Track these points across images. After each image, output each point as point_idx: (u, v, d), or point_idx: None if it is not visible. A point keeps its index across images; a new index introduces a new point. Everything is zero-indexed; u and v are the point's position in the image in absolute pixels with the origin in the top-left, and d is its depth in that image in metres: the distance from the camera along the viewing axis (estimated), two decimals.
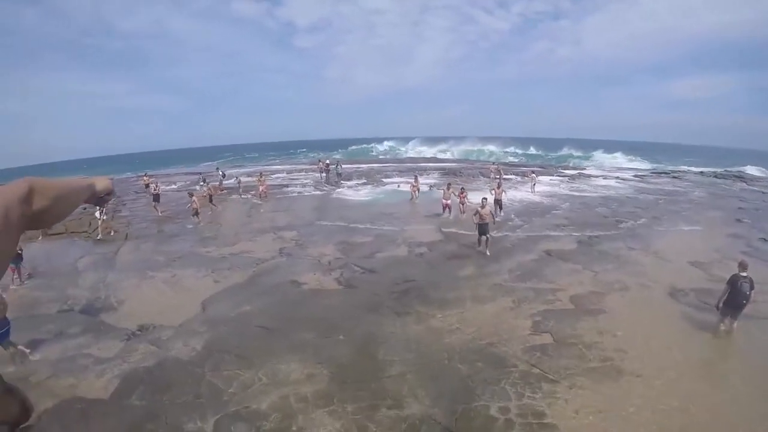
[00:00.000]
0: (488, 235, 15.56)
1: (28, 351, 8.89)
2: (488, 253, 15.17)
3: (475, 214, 15.79)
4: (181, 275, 13.96)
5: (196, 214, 21.45)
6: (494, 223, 16.45)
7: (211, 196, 24.99)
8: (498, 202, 21.27)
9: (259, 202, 27.30)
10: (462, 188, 22.37)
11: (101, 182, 0.98)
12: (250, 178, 35.66)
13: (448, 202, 21.52)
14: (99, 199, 1.20)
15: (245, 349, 9.10)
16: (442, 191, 22.44)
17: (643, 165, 59.94)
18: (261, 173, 31.67)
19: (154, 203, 24.35)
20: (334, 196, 29.75)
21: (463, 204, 21.11)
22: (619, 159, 69.14)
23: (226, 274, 13.95)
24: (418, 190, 27.60)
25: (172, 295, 12.44)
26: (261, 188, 28.21)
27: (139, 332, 10.09)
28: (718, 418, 6.97)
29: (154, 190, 24.99)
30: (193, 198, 21.55)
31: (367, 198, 28.80)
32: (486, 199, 16.46)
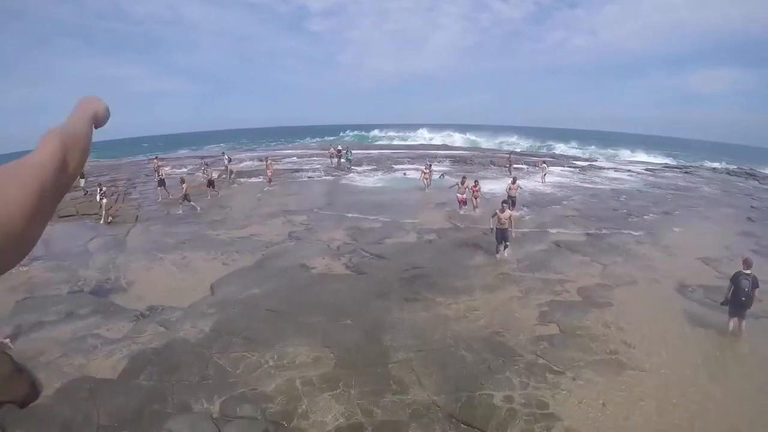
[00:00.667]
0: (508, 243, 13.94)
1: (7, 340, 8.82)
2: (509, 260, 13.80)
3: (493, 216, 14.05)
4: (190, 257, 14.04)
5: (185, 199, 20.87)
6: (512, 228, 14.07)
7: (211, 181, 24.60)
8: (512, 199, 18.28)
9: (269, 187, 27.25)
10: (476, 181, 20.44)
11: (97, 106, 0.82)
12: (258, 162, 35.79)
13: (464, 196, 19.94)
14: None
15: (253, 331, 9.17)
16: (456, 184, 20.68)
17: (658, 160, 58.61)
18: (267, 158, 31.92)
19: (159, 187, 24.04)
20: (344, 181, 29.69)
21: (476, 198, 20.14)
22: (641, 156, 67.15)
23: (235, 257, 14.02)
24: (429, 178, 26.40)
25: (181, 277, 12.53)
26: (268, 172, 28.12)
27: (148, 313, 10.18)
28: (721, 413, 6.98)
29: (160, 175, 24.56)
30: (184, 184, 20.84)
31: (377, 184, 28.63)
32: (506, 203, 14.42)
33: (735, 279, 9.18)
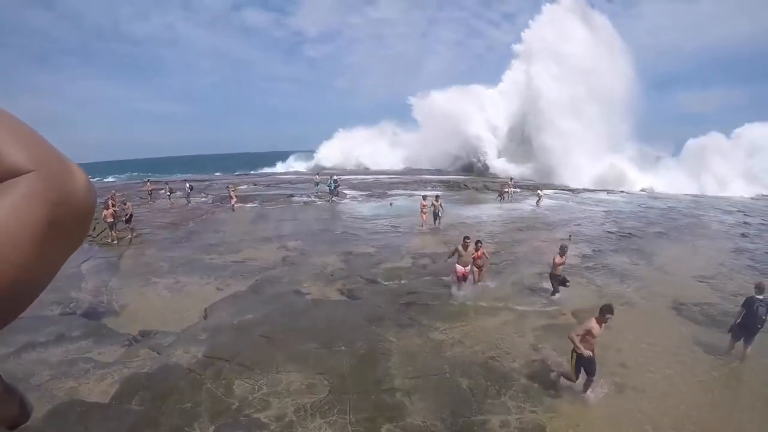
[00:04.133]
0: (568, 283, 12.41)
1: None
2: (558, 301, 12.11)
3: (556, 266, 12.17)
4: (183, 282, 13.97)
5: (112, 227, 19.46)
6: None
7: (129, 216, 20.56)
8: (558, 279, 12.48)
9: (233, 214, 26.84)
10: (478, 243, 13.00)
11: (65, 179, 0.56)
12: (253, 186, 35.80)
13: (466, 270, 12.80)
14: None
15: (246, 357, 9.08)
16: (455, 251, 12.93)
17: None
18: (229, 186, 32.17)
19: (127, 225, 20.49)
20: (338, 208, 29.70)
21: (480, 269, 13.37)
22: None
23: (229, 281, 13.94)
24: (428, 213, 21.84)
25: (175, 301, 12.44)
26: (231, 201, 27.75)
27: (140, 338, 10.09)
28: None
29: (122, 210, 20.94)
30: (105, 212, 19.04)
31: (370, 211, 28.27)
32: (565, 246, 12.59)
33: (749, 304, 8.96)
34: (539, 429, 6.98)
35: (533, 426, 7.05)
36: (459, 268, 12.83)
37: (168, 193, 31.61)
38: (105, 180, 63.88)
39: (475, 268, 13.20)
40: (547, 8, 57.36)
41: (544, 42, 54.52)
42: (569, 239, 13.63)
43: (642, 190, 42.26)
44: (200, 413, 7.26)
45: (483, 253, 13.12)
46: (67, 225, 0.52)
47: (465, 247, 12.76)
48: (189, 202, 30.92)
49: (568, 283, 12.54)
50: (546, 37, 54.82)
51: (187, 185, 32.50)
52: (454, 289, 12.91)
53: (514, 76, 60.59)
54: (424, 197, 22.62)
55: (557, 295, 12.49)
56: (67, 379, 8.24)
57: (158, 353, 9.30)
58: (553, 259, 12.40)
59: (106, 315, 11.39)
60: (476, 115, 60.06)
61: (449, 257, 13.24)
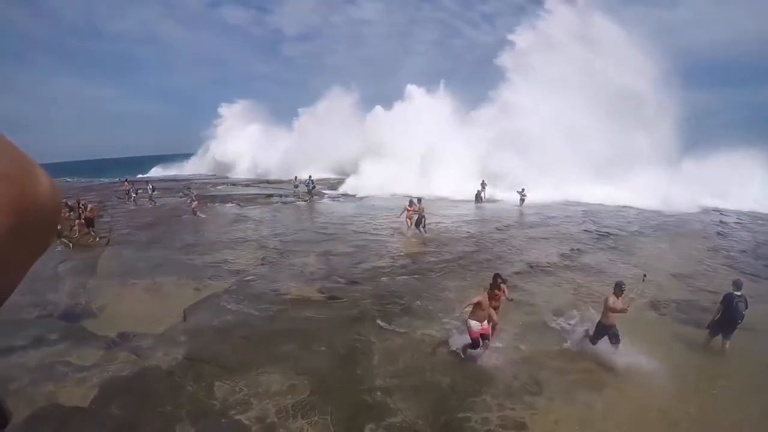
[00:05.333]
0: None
1: None
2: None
3: (610, 311, 8.97)
4: (162, 282, 13.84)
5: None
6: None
7: (89, 219, 20.31)
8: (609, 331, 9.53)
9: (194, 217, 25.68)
10: (497, 276, 9.48)
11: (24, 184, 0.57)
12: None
13: (485, 326, 9.02)
14: None
15: (226, 359, 9.05)
16: (476, 303, 8.90)
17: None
18: (188, 187, 32.72)
19: (88, 228, 20.07)
20: (317, 206, 29.69)
21: (494, 327, 9.54)
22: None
23: (208, 282, 13.87)
24: (421, 220, 20.68)
25: (153, 303, 12.31)
26: (193, 205, 26.42)
27: (119, 340, 9.98)
28: (697, 428, 7.11)
29: (83, 212, 20.67)
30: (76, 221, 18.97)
31: (350, 211, 28.52)
32: (623, 283, 9.23)
33: (727, 301, 9.18)
34: (520, 426, 7.08)
35: (514, 423, 7.14)
36: (474, 325, 8.78)
37: (133, 195, 31.61)
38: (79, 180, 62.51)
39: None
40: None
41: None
42: (643, 279, 10.04)
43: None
44: (181, 416, 7.23)
45: (504, 292, 9.43)
46: (32, 231, 0.52)
47: (492, 295, 9.04)
48: (154, 203, 30.92)
49: (618, 344, 9.07)
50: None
51: (150, 186, 32.83)
52: (471, 351, 9.06)
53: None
54: (410, 202, 21.33)
55: (601, 345, 9.30)
56: (46, 383, 8.13)
57: (138, 356, 9.22)
58: (605, 301, 9.11)
59: (84, 317, 11.24)
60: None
61: (465, 307, 9.25)
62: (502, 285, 9.36)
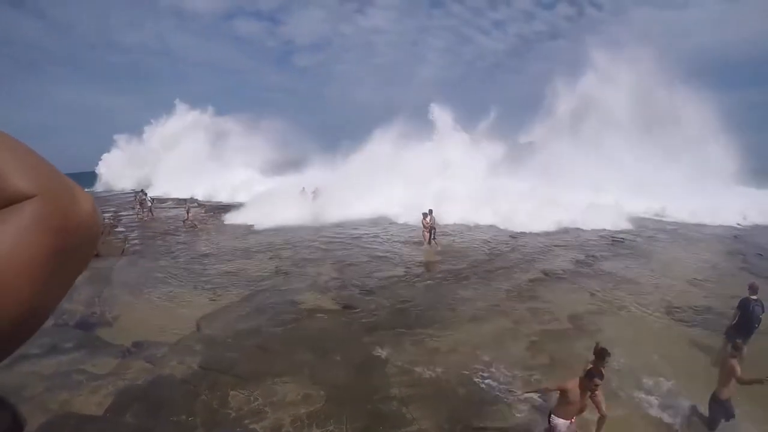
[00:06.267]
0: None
1: None
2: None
3: (729, 381, 6.75)
4: (176, 292, 13.91)
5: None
6: None
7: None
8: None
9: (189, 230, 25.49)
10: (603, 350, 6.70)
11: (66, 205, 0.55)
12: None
13: (573, 421, 6.14)
14: None
15: (241, 368, 9.03)
16: (563, 390, 6.08)
17: None
18: (187, 202, 32.03)
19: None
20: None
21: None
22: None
23: (222, 292, 13.90)
24: (431, 231, 19.79)
25: (168, 312, 12.35)
26: (188, 216, 26.34)
27: (134, 349, 10.00)
28: None
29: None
30: None
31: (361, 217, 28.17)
32: (742, 345, 8.09)
33: (744, 306, 8.96)
34: None
35: None
36: (561, 426, 6.10)
37: (138, 205, 31.46)
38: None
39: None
40: None
41: None
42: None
43: None
44: (196, 425, 7.21)
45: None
46: (73, 250, 0.51)
47: (590, 379, 5.78)
48: (152, 214, 30.59)
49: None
50: None
51: (148, 197, 32.12)
52: None
53: None
54: (424, 214, 20.12)
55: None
56: (60, 391, 8.15)
57: (152, 364, 9.23)
58: (730, 367, 6.78)
59: (99, 326, 11.29)
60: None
61: (539, 393, 7.63)
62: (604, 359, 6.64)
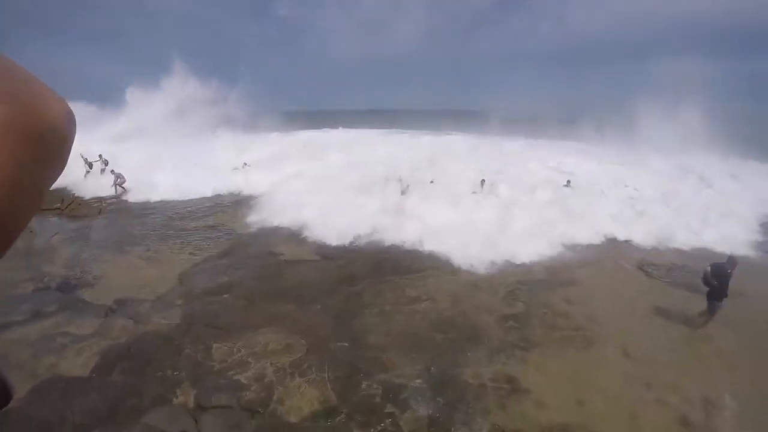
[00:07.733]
0: None
1: None
2: None
3: None
4: (156, 249, 13.94)
5: None
6: None
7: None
8: None
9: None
10: None
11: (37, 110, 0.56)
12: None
13: None
14: None
15: (223, 321, 9.22)
16: None
17: None
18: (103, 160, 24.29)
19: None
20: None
21: None
22: None
23: (202, 246, 13.97)
24: None
25: (148, 269, 12.40)
26: (116, 181, 21.73)
27: (116, 307, 10.07)
28: (684, 387, 7.35)
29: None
30: None
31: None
32: None
33: (720, 273, 8.88)
34: (511, 380, 7.31)
35: (506, 377, 7.37)
36: None
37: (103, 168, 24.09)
38: None
39: None
40: None
41: None
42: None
43: None
44: (181, 379, 7.40)
45: None
46: (46, 154, 0.51)
47: None
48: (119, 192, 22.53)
49: None
50: None
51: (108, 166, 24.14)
52: None
53: None
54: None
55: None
56: (46, 355, 8.23)
57: (135, 322, 9.34)
58: None
59: (80, 287, 11.30)
60: None
61: None
62: None
